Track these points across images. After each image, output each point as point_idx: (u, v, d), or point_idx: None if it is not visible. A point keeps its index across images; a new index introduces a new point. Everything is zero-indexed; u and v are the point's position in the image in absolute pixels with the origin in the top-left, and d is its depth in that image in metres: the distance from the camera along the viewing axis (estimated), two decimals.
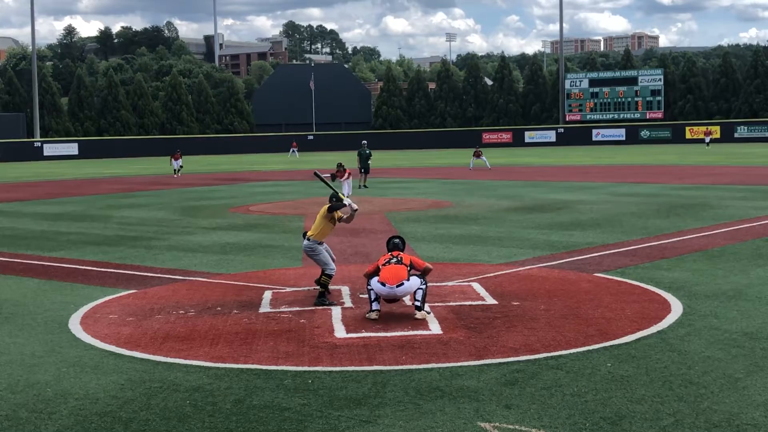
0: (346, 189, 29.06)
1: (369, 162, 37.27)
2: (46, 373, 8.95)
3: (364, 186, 35.43)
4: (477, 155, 49.92)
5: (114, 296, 13.09)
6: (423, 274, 11.38)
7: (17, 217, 26.52)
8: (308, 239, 12.42)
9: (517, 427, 7.09)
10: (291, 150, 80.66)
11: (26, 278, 15.06)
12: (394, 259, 11.38)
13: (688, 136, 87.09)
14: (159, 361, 9.31)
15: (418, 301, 10.99)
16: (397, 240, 12.05)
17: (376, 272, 11.29)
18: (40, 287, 14.15)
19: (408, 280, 11.13)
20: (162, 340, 10.21)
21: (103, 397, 8.10)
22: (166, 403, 7.86)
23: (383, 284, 11.07)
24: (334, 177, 28.98)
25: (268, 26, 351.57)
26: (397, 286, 11.04)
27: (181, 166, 49.13)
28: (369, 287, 11.15)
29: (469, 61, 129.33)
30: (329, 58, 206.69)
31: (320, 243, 12.38)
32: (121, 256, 17.44)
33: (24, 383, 8.58)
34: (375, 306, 11.01)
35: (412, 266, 11.38)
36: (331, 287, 12.66)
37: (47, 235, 21.81)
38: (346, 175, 30.65)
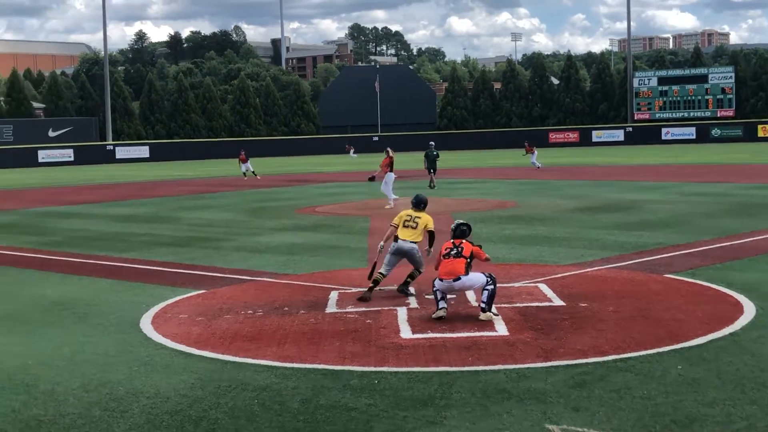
0: (387, 186, 27.92)
1: (436, 162, 37.07)
2: (119, 372, 9.14)
3: (432, 186, 35.32)
4: (529, 151, 49.49)
5: (184, 296, 13.30)
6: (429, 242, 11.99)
7: (90, 219, 27.12)
8: (412, 242, 12.70)
9: (585, 429, 7.01)
10: (349, 151, 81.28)
11: (99, 278, 15.40)
12: (454, 251, 11.35)
13: (760, 134, 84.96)
14: (228, 360, 9.44)
15: (484, 302, 10.95)
16: (464, 227, 11.88)
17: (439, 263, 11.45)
18: (113, 287, 14.45)
19: (466, 274, 11.15)
20: (231, 339, 10.34)
21: (174, 395, 8.23)
22: (235, 402, 7.97)
23: (441, 280, 11.15)
24: (373, 178, 28.74)
25: (333, 29, 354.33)
26: (454, 281, 11.08)
27: (253, 171, 49.04)
28: (435, 288, 11.15)
29: (534, 60, 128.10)
30: (394, 59, 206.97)
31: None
32: (191, 257, 17.71)
33: (97, 382, 8.78)
34: (442, 305, 11.00)
35: (472, 257, 11.36)
36: (395, 287, 12.72)
37: (119, 236, 22.26)
38: (389, 162, 28.25)
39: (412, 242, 12.71)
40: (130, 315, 11.99)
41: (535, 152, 49.86)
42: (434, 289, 11.14)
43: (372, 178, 28.74)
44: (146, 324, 11.38)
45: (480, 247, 11.70)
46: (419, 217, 12.82)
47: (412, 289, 12.74)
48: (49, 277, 15.84)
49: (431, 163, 36.74)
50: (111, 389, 8.50)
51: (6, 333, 11.18)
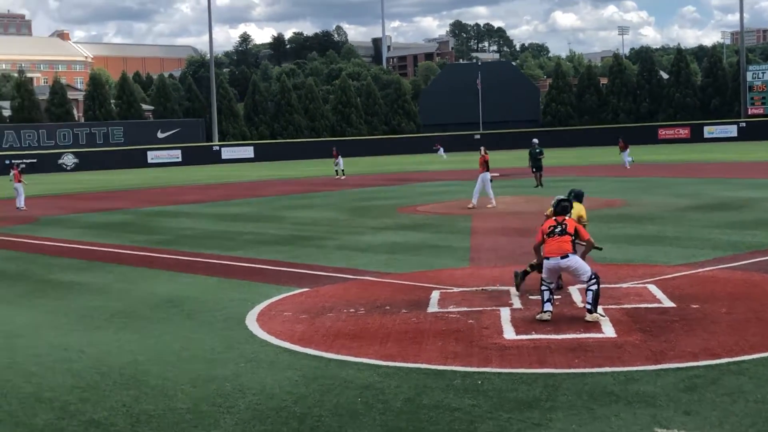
0: (485, 186, 27.15)
1: (541, 160, 36.22)
2: (225, 368, 9.29)
3: (540, 185, 34.79)
4: (622, 149, 48.23)
5: (288, 294, 13.45)
6: (586, 245, 11.37)
7: (198, 218, 27.76)
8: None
9: None
10: (437, 150, 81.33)
11: (206, 276, 15.72)
12: (558, 228, 11.16)
13: None
14: (331, 358, 9.49)
15: (589, 303, 10.73)
16: (566, 203, 11.68)
17: (542, 242, 11.29)
18: (219, 285, 14.73)
19: (574, 252, 10.99)
20: (334, 337, 10.40)
21: (279, 392, 8.32)
22: (339, 400, 8.00)
23: (547, 258, 10.97)
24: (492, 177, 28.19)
25: (434, 27, 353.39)
26: (562, 258, 10.89)
27: (342, 170, 49.74)
28: (543, 287, 10.95)
29: (642, 54, 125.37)
30: (497, 56, 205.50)
31: None
32: (295, 256, 17.92)
33: (204, 378, 8.94)
34: (547, 307, 10.82)
35: (576, 235, 11.16)
36: (499, 288, 12.57)
37: (226, 235, 22.70)
38: (484, 162, 27.56)
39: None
40: (236, 312, 12.19)
41: (628, 150, 48.70)
42: (542, 288, 10.94)
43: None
44: (252, 321, 11.55)
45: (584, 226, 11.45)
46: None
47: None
48: (159, 275, 16.25)
49: (535, 161, 35.99)
50: (218, 385, 8.65)
51: (117, 329, 11.51)
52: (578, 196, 13.21)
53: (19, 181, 34.63)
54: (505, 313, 11.31)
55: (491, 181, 27.55)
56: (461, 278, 14.24)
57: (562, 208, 11.57)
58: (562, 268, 10.99)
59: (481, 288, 13.10)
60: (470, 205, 26.61)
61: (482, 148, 28.58)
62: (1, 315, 12.87)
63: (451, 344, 9.85)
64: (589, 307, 10.72)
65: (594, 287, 10.73)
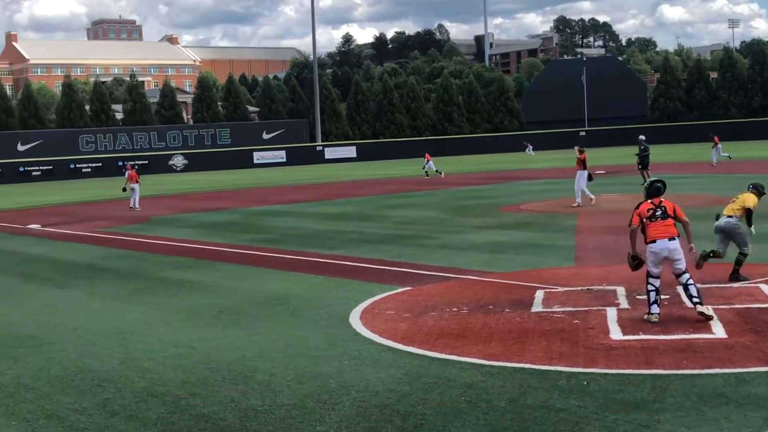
0: (577, 184, 26.83)
1: (647, 156, 35.40)
2: (329, 365, 9.41)
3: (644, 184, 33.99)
4: (716, 144, 46.61)
5: (391, 293, 13.53)
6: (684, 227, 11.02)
7: (302, 217, 28.16)
8: (731, 217, 12.97)
9: None
10: (527, 149, 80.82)
11: (311, 275, 15.94)
12: (659, 211, 10.90)
13: None
14: (434, 357, 9.50)
15: (695, 297, 10.50)
16: (659, 184, 11.37)
17: (640, 227, 10.98)
18: (324, 283, 14.91)
19: (678, 235, 10.79)
20: (436, 336, 10.42)
21: (382, 390, 8.38)
22: (442, 398, 8.01)
23: (654, 241, 10.71)
24: (590, 177, 27.26)
25: (537, 23, 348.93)
26: (670, 240, 10.66)
27: (434, 170, 50.07)
28: (649, 287, 10.71)
29: (754, 47, 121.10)
30: (602, 51, 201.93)
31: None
32: (397, 254, 18.00)
33: (309, 374, 9.08)
34: (654, 309, 10.59)
35: (675, 216, 10.91)
36: (605, 287, 12.36)
37: (329, 234, 22.97)
38: (582, 160, 27.02)
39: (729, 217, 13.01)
40: (339, 310, 12.33)
41: (720, 146, 47.08)
42: (649, 288, 10.71)
43: (590, 177, 27.31)
44: (355, 319, 11.67)
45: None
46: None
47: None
48: (265, 273, 16.56)
49: (642, 158, 35.25)
50: (323, 382, 8.77)
51: (226, 326, 11.79)
52: (757, 188, 13.49)
53: (136, 182, 35.64)
54: (611, 313, 11.13)
55: (590, 180, 27.05)
56: (566, 277, 14.06)
57: (655, 189, 11.24)
58: (671, 250, 10.67)
59: (586, 287, 12.91)
60: (575, 204, 26.22)
61: (576, 148, 28.04)
62: (115, 312, 13.34)
63: (556, 344, 9.74)
64: (696, 300, 10.48)
65: (692, 280, 10.58)
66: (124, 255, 20.69)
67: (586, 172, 26.87)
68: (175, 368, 9.62)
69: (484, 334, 10.40)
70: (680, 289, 11.01)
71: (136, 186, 35.44)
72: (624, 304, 11.70)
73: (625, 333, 10.10)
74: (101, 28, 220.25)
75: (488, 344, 9.89)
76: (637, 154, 35.70)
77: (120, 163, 74.02)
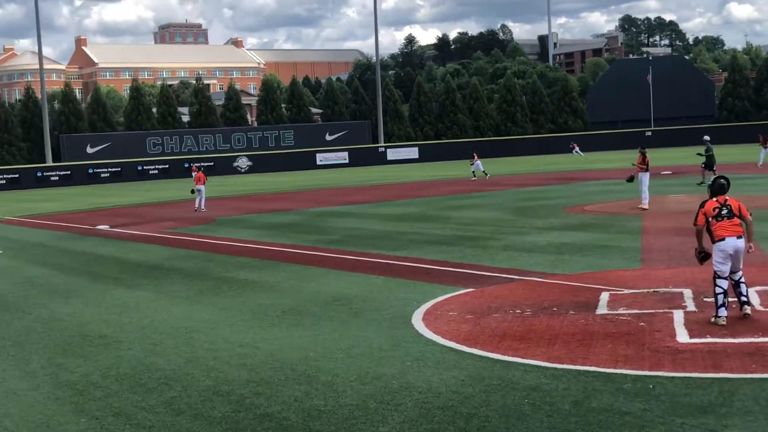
0: (644, 186, 26.08)
1: (712, 157, 34.78)
2: (392, 366, 9.42)
3: (708, 184, 33.39)
4: (763, 144, 45.27)
5: (453, 294, 13.50)
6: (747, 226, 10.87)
7: (365, 218, 28.26)
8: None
9: None
10: (573, 149, 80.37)
11: (373, 275, 15.99)
12: (725, 210, 10.82)
13: None
14: (497, 359, 9.46)
15: (744, 296, 10.61)
16: (723, 181, 11.24)
17: (706, 225, 10.91)
18: (386, 284, 14.94)
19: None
20: (500, 338, 10.37)
21: (445, 391, 8.37)
22: (505, 401, 7.97)
23: (722, 239, 10.61)
24: (632, 178, 26.74)
25: (602, 22, 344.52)
26: (738, 238, 10.61)
27: (483, 172, 50.16)
28: (717, 290, 10.52)
29: None
30: (668, 50, 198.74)
31: None
32: (460, 256, 17.95)
33: (372, 375, 9.10)
34: (722, 312, 10.40)
35: (740, 215, 10.83)
36: (672, 290, 12.16)
37: (391, 234, 23.01)
38: (642, 161, 26.44)
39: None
40: (402, 311, 12.34)
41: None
42: (717, 292, 10.51)
43: (631, 179, 26.94)
44: (417, 320, 11.67)
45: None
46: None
47: None
48: (328, 274, 16.66)
49: (707, 158, 34.67)
50: (385, 382, 8.78)
51: (289, 326, 11.89)
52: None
53: (202, 184, 36.06)
54: (678, 316, 10.95)
55: (629, 180, 26.76)
56: (632, 279, 13.88)
57: (719, 186, 11.15)
58: (737, 248, 10.60)
59: (652, 289, 12.73)
60: (642, 206, 25.81)
61: (640, 148, 27.41)
62: (181, 311, 13.55)
63: (622, 347, 9.62)
64: (745, 300, 10.65)
65: (744, 279, 10.70)
66: (190, 255, 21.00)
67: (648, 174, 26.33)
68: (240, 367, 9.73)
69: (548, 336, 10.32)
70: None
71: (202, 188, 35.88)
72: (691, 306, 11.50)
73: (692, 336, 9.93)
74: (168, 32, 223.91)
75: (552, 346, 9.80)
76: (700, 154, 35.16)
77: (186, 165, 75.26)
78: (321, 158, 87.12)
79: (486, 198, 34.47)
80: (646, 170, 26.28)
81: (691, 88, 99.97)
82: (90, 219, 34.93)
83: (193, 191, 36.27)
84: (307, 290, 14.80)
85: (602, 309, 11.67)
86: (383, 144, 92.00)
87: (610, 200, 29.75)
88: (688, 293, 12.29)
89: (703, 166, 34.70)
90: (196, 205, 35.68)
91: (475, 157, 51.95)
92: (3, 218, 38.52)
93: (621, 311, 11.45)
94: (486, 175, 50.25)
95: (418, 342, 10.47)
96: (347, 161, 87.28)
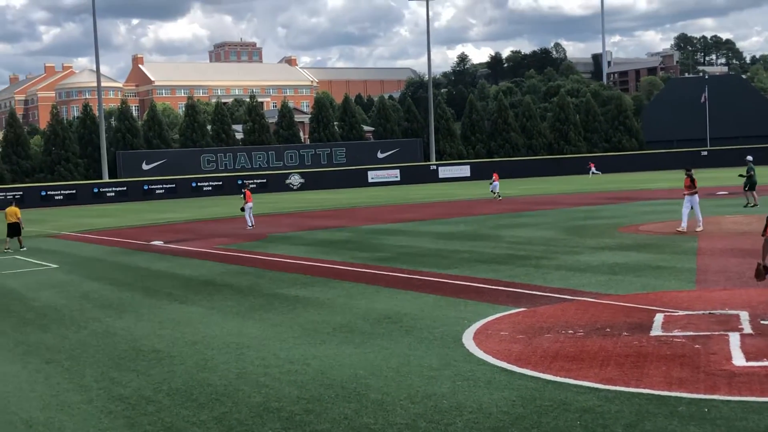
0: (686, 209, 25.16)
1: (753, 177, 34.17)
2: (443, 385, 9.37)
3: (751, 205, 32.84)
4: None
5: (505, 313, 13.41)
6: None
7: (416, 236, 28.23)
8: None
9: None
10: (590, 170, 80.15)
11: (424, 294, 15.95)
12: None
13: None
14: (549, 379, 9.36)
15: None
16: None
17: None
18: (437, 302, 14.90)
19: None
20: (551, 358, 10.26)
21: (496, 412, 8.29)
22: (557, 423, 7.87)
23: None
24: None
25: (657, 40, 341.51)
26: None
27: (497, 193, 50.81)
28: None
29: None
30: (725, 69, 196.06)
31: None
32: (511, 275, 17.83)
33: (422, 394, 9.06)
34: None
35: None
36: (728, 312, 11.93)
37: (442, 253, 22.95)
38: (689, 184, 25.44)
39: None
40: (452, 330, 12.29)
41: None
42: None
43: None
44: (468, 339, 11.60)
45: None
46: None
47: None
48: (379, 291, 16.66)
49: (748, 179, 34.10)
50: (435, 402, 8.73)
51: (339, 343, 11.90)
52: None
53: (250, 201, 36.31)
54: (734, 339, 10.74)
55: (686, 204, 25.30)
56: (687, 301, 13.66)
57: None
58: None
59: (708, 311, 12.51)
60: (679, 228, 24.88)
61: (686, 169, 26.51)
62: (233, 327, 13.64)
63: (676, 369, 9.46)
64: None
65: None
66: (242, 271, 21.17)
67: (696, 197, 25.25)
68: (290, 384, 9.75)
69: (601, 357, 10.19)
70: None
71: (248, 205, 35.87)
72: (748, 329, 11.28)
73: (748, 359, 9.73)
74: (223, 51, 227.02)
75: (605, 368, 9.67)
76: (741, 175, 34.65)
77: (239, 182, 76.05)
78: (373, 176, 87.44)
79: (538, 217, 34.22)
80: (695, 192, 25.33)
81: (748, 108, 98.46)
82: (144, 234, 35.43)
83: (242, 209, 36.46)
84: (357, 307, 14.81)
85: (656, 330, 11.49)
86: (435, 162, 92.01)
87: (665, 220, 29.35)
88: (744, 315, 12.05)
89: (746, 188, 34.10)
90: (250, 224, 35.77)
91: (495, 177, 52.50)
92: (60, 233, 39.24)
93: (676, 333, 11.26)
94: (498, 197, 50.51)
95: (468, 361, 10.41)
96: (399, 179, 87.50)
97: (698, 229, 24.81)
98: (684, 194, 25.64)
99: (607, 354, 10.32)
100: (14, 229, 31.50)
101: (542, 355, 10.47)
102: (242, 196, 37.23)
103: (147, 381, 10.33)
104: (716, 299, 13.63)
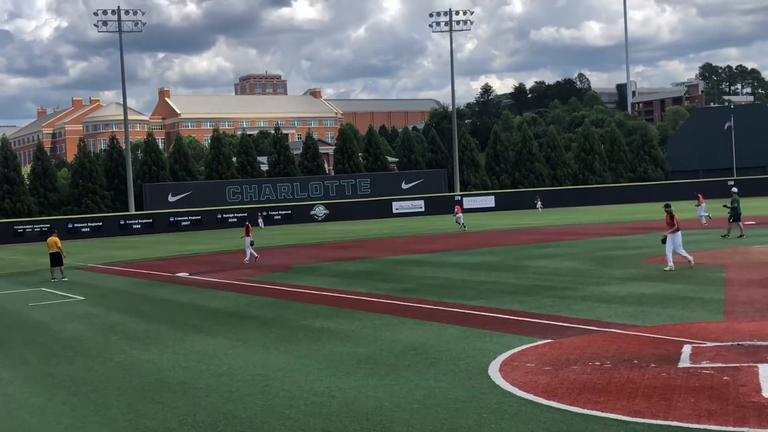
0: (669, 247, 23.52)
1: (737, 209, 33.87)
2: (468, 418, 9.30)
3: (739, 235, 32.61)
4: None
5: (531, 345, 13.32)
6: None
7: (440, 267, 28.17)
8: None
9: None
10: (537, 203, 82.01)
11: (449, 325, 15.88)
12: None
13: None
14: (576, 412, 9.27)
15: None
16: None
17: None
18: (462, 334, 14.83)
19: None
20: (578, 390, 10.17)
21: None
22: None
23: None
24: (665, 239, 23.80)
25: (681, 70, 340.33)
26: None
27: (462, 224, 52.63)
28: None
29: None
30: (750, 98, 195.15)
31: None
32: (537, 306, 17.73)
33: (448, 427, 9.00)
34: None
35: None
36: (757, 343, 11.79)
37: (468, 284, 22.87)
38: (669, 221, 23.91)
39: None
40: (478, 362, 12.21)
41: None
42: None
43: (664, 240, 24.04)
44: (494, 371, 11.53)
45: None
46: None
47: None
48: (404, 323, 16.61)
49: (732, 210, 33.80)
50: None
51: (364, 375, 11.86)
52: None
53: (248, 235, 35.44)
54: (763, 370, 10.60)
55: (663, 242, 23.89)
56: (715, 332, 13.51)
57: None
58: None
59: (736, 343, 12.37)
60: (666, 268, 23.10)
61: (666, 204, 24.99)
62: (257, 359, 13.63)
63: (705, 401, 9.34)
64: None
65: None
66: (266, 303, 21.19)
67: (678, 234, 23.63)
68: (315, 416, 9.72)
69: (629, 389, 10.08)
70: None
71: (247, 240, 35.21)
72: None
73: None
74: (248, 84, 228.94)
75: (633, 400, 9.57)
76: (726, 206, 34.41)
77: (264, 213, 76.36)
78: (397, 206, 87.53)
79: (564, 247, 34.05)
80: (677, 230, 23.60)
81: None
82: (170, 266, 35.60)
83: (253, 243, 35.72)
84: (382, 339, 14.77)
85: (684, 362, 11.37)
86: (459, 192, 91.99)
87: (692, 250, 29.08)
88: None
89: (731, 219, 33.77)
90: (247, 258, 34.93)
91: (458, 209, 55.67)
92: (86, 265, 39.52)
93: (704, 364, 11.14)
94: (464, 228, 52.37)
95: (494, 393, 10.33)
96: (423, 210, 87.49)
97: (666, 269, 23.06)
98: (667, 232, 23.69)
99: (635, 386, 10.21)
100: (56, 259, 31.89)
101: (569, 387, 10.38)
102: (244, 229, 36.34)
103: (172, 413, 10.33)
104: (744, 330, 13.48)
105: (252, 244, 35.89)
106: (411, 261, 31.49)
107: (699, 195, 46.89)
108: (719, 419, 8.65)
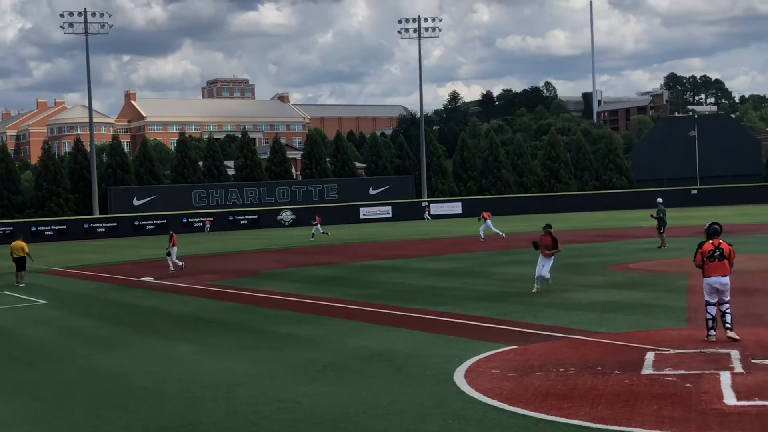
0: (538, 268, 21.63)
1: (663, 219, 34.37)
2: (434, 423, 9.32)
3: (661, 247, 33.08)
4: None
5: (496, 351, 13.38)
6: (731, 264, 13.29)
7: (408, 273, 28.20)
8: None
9: None
10: (425, 213, 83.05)
11: (415, 331, 15.90)
12: (717, 252, 13.21)
13: None
14: (540, 418, 9.32)
15: (728, 324, 12.85)
16: (716, 226, 13.69)
17: (702, 263, 13.33)
18: (428, 340, 14.85)
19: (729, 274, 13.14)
20: (543, 397, 10.22)
21: None
22: None
23: (708, 277, 13.15)
24: (536, 245, 22.36)
25: (645, 79, 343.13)
26: (722, 276, 13.08)
27: (323, 232, 53.51)
28: (707, 315, 13.11)
29: None
30: (714, 108, 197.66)
31: None
32: (503, 312, 17.81)
33: None
34: (712, 333, 12.88)
35: (728, 258, 13.19)
36: (719, 351, 11.97)
37: (434, 290, 22.92)
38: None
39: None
40: (444, 368, 12.24)
41: None
42: (707, 317, 13.08)
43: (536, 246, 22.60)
44: (460, 377, 11.56)
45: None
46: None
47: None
48: (370, 329, 16.60)
49: (659, 221, 34.31)
50: None
51: (330, 381, 11.84)
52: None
53: (173, 245, 34.01)
54: (725, 378, 10.73)
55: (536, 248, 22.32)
56: (678, 339, 13.65)
57: (713, 231, 13.67)
58: (722, 283, 13.10)
59: (699, 350, 12.51)
60: (534, 290, 21.48)
61: (545, 228, 22.89)
62: (222, 364, 13.56)
63: (667, 408, 9.43)
64: (729, 326, 12.91)
65: (729, 309, 13.07)
66: (232, 308, 21.08)
67: (552, 259, 22.09)
68: (280, 423, 9.69)
69: (592, 396, 10.16)
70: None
71: (173, 249, 34.01)
72: (738, 368, 11.27)
73: (739, 398, 9.72)
74: (216, 87, 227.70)
75: (596, 407, 9.64)
76: (653, 216, 34.94)
77: (231, 218, 75.99)
78: (364, 212, 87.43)
79: (530, 254, 34.16)
80: (554, 253, 22.12)
81: (737, 147, 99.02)
82: (135, 271, 35.29)
83: (168, 253, 34.09)
84: (349, 345, 14.75)
85: (647, 369, 11.48)
86: (426, 199, 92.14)
87: (656, 258, 29.40)
88: (735, 354, 12.05)
89: (661, 230, 34.23)
90: (172, 267, 33.47)
91: (318, 219, 58.39)
92: (50, 269, 39.07)
93: (667, 372, 11.25)
94: (326, 233, 54.46)
95: (460, 399, 10.36)
96: (390, 215, 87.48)
97: (534, 291, 21.44)
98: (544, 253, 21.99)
99: (599, 392, 10.29)
100: (21, 264, 31.32)
101: (533, 393, 10.43)
102: (168, 238, 34.61)
103: (135, 419, 10.24)
104: None
105: (169, 254, 33.94)
106: (378, 267, 31.49)
107: (484, 213, 48.46)
108: (682, 426, 8.74)
